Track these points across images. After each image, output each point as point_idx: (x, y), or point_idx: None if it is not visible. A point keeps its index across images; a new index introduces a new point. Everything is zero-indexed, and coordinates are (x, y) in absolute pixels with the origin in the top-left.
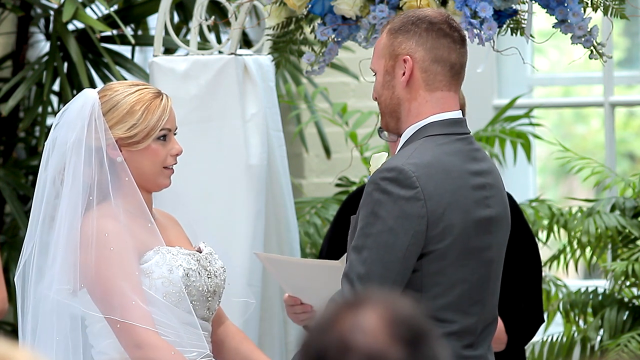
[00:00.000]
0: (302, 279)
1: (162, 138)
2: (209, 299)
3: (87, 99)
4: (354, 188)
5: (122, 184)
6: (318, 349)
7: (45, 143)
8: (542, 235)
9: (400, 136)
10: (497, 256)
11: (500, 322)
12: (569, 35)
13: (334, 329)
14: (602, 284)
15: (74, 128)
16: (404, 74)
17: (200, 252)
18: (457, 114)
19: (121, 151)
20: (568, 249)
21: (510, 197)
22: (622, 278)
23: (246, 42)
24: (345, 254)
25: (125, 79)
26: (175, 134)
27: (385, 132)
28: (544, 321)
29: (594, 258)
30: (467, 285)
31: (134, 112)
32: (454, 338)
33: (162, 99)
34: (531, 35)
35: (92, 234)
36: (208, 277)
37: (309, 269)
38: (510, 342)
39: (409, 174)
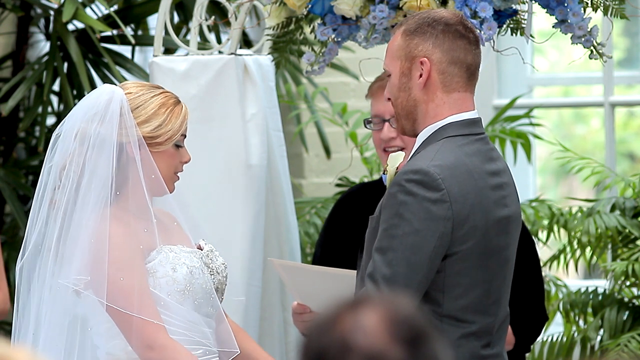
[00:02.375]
0: (315, 286)
1: (178, 144)
2: (212, 296)
3: (114, 94)
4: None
5: (143, 180)
6: (318, 349)
7: (58, 133)
8: (542, 235)
9: (417, 137)
10: (512, 255)
11: None
12: (569, 35)
13: (334, 329)
14: (602, 284)
15: (99, 122)
16: (420, 75)
17: (201, 250)
18: (474, 114)
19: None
20: (568, 249)
21: None
22: (622, 278)
23: (246, 42)
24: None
25: (126, 79)
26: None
27: (372, 123)
28: (547, 318)
29: (594, 258)
30: (486, 285)
31: (160, 114)
32: (473, 338)
33: (182, 107)
34: (531, 35)
35: (104, 233)
36: (211, 274)
37: (323, 277)
38: (518, 342)
39: (434, 176)
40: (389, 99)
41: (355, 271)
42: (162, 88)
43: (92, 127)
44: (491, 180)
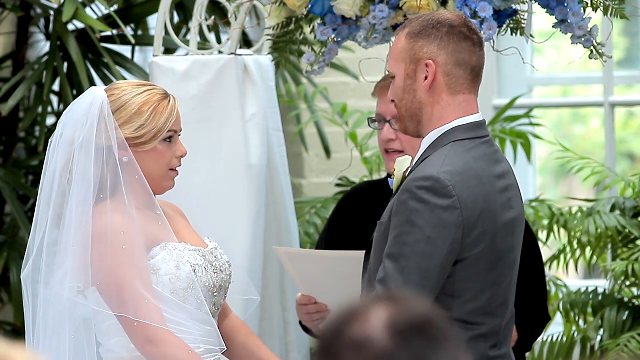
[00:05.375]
0: (322, 273)
1: (168, 140)
2: (215, 294)
3: (95, 97)
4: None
5: (132, 181)
6: (331, 351)
7: (50, 140)
8: (542, 235)
9: (421, 138)
10: (518, 256)
11: None
12: (569, 35)
13: (346, 331)
14: (602, 284)
15: (82, 126)
16: (426, 78)
17: (206, 248)
18: (479, 117)
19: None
20: (568, 249)
21: None
22: (622, 278)
23: (246, 42)
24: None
25: (126, 79)
26: (179, 135)
27: (376, 122)
28: (550, 318)
29: (594, 258)
30: (495, 288)
31: (142, 113)
32: (482, 340)
33: (169, 101)
34: (531, 35)
35: (106, 232)
36: (214, 273)
37: (330, 261)
38: (519, 340)
39: (445, 182)
40: (392, 100)
41: (363, 252)
42: (150, 85)
43: (76, 132)
44: (498, 184)
